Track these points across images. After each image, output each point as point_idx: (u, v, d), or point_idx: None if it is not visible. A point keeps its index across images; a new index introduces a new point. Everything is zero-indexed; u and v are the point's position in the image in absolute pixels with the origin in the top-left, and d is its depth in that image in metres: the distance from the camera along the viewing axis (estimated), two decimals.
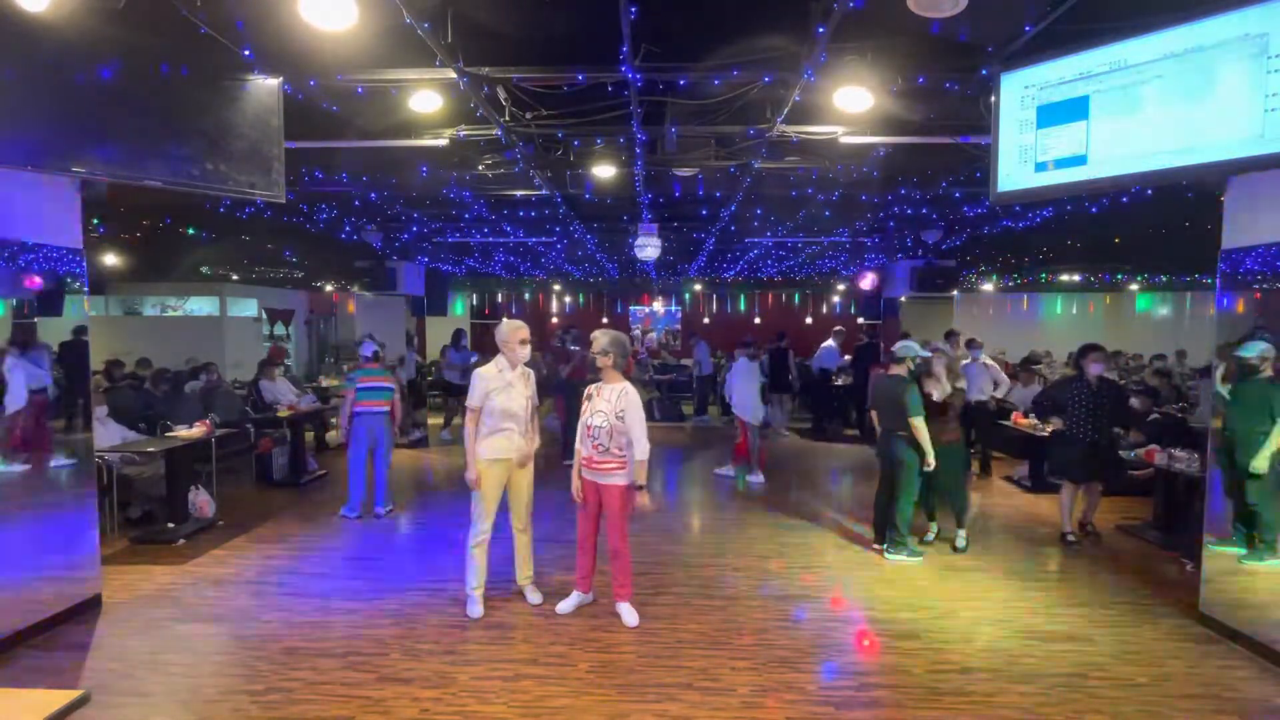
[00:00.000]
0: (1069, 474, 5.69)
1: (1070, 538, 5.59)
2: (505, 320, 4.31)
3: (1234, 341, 4.12)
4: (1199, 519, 4.28)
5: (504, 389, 4.17)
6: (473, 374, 4.25)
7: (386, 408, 6.39)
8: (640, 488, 3.97)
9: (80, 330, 4.41)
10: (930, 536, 5.59)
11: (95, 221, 8.01)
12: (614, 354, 4.05)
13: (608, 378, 4.07)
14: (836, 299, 20.52)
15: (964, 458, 5.67)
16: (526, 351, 4.26)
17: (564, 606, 4.27)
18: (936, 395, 5.33)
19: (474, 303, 20.20)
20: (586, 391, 4.11)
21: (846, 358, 11.17)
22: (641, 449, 3.93)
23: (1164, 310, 16.92)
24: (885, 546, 5.26)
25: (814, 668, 3.65)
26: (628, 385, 4.04)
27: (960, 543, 5.40)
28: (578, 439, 4.13)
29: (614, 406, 3.96)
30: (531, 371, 4.41)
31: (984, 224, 9.51)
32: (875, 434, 5.58)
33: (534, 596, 4.45)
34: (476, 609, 4.24)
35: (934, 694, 3.38)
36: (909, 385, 5.12)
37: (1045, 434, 7.24)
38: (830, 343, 11.02)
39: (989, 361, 7.89)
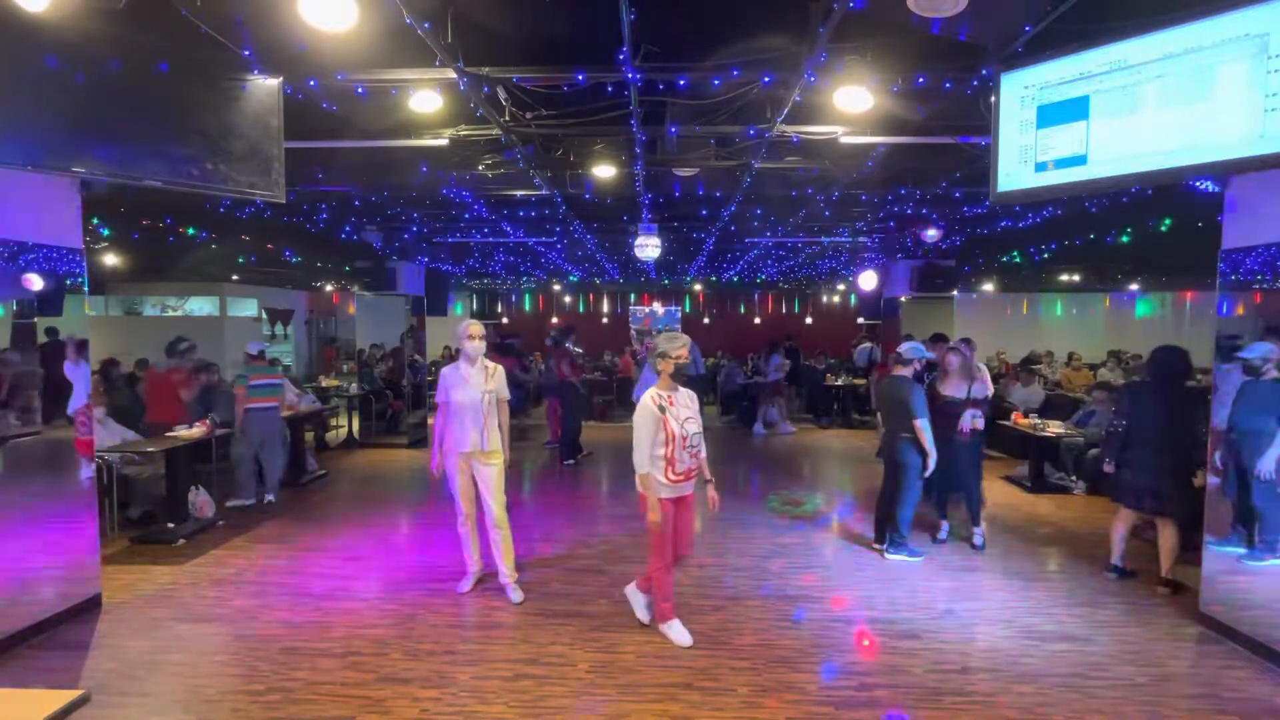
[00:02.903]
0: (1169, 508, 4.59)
1: (1173, 585, 4.60)
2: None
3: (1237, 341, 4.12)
4: (1199, 519, 4.27)
5: (460, 385, 4.38)
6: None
7: (277, 403, 6.84)
8: (709, 482, 3.95)
9: (52, 331, 4.42)
10: (942, 535, 5.59)
11: (95, 221, 8.00)
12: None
13: (673, 383, 3.83)
14: (836, 299, 20.54)
15: (980, 455, 5.61)
16: (473, 346, 4.40)
17: (687, 638, 3.89)
18: (948, 393, 5.35)
19: (474, 304, 20.20)
20: (655, 403, 3.70)
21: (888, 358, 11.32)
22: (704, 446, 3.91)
23: (1164, 310, 16.91)
24: (885, 546, 5.26)
25: (814, 668, 3.65)
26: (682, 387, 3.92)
27: (979, 540, 5.42)
28: (660, 457, 3.70)
29: (695, 407, 3.86)
30: (497, 368, 4.53)
31: (984, 224, 9.52)
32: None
33: (515, 595, 4.45)
34: (464, 584, 4.60)
35: (934, 694, 3.38)
36: (913, 386, 5.13)
37: (1046, 434, 7.24)
38: (867, 344, 11.31)
39: (980, 365, 7.77)
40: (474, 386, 4.37)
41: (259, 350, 6.89)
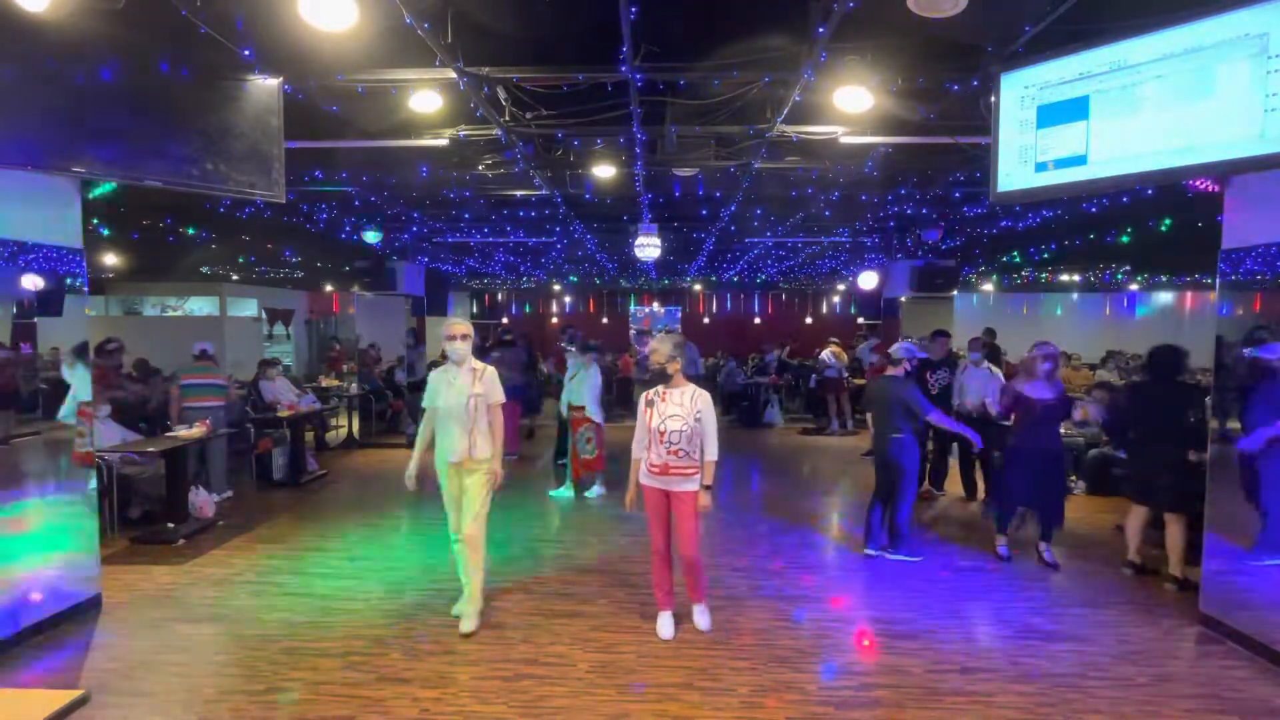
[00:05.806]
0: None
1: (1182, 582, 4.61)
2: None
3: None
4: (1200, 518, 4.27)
5: (445, 388, 4.01)
6: None
7: (217, 402, 6.76)
8: (707, 487, 3.88)
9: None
10: (1004, 551, 5.20)
11: (95, 221, 8.01)
12: (680, 358, 3.91)
13: (676, 382, 3.88)
14: (836, 299, 20.55)
15: (1064, 465, 5.30)
16: (456, 347, 3.99)
17: (666, 631, 3.97)
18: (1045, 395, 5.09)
19: (472, 305, 20.21)
20: (646, 398, 3.89)
21: (876, 358, 11.27)
22: (713, 450, 3.86)
23: (1164, 310, 16.92)
24: (886, 547, 5.24)
25: (814, 668, 3.65)
26: (696, 387, 3.90)
27: (1050, 556, 5.08)
28: (641, 447, 3.90)
29: (690, 409, 3.79)
30: (486, 368, 4.09)
31: (984, 224, 9.53)
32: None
33: (466, 625, 3.98)
34: (459, 607, 4.16)
35: (934, 694, 3.38)
36: (909, 386, 5.12)
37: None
38: (869, 343, 11.54)
39: (993, 369, 6.71)
40: (459, 391, 3.96)
41: (201, 350, 6.92)
